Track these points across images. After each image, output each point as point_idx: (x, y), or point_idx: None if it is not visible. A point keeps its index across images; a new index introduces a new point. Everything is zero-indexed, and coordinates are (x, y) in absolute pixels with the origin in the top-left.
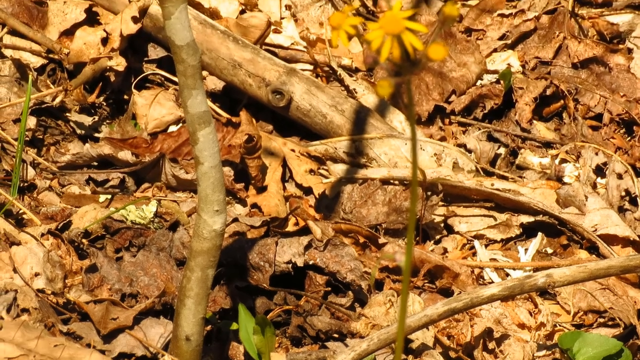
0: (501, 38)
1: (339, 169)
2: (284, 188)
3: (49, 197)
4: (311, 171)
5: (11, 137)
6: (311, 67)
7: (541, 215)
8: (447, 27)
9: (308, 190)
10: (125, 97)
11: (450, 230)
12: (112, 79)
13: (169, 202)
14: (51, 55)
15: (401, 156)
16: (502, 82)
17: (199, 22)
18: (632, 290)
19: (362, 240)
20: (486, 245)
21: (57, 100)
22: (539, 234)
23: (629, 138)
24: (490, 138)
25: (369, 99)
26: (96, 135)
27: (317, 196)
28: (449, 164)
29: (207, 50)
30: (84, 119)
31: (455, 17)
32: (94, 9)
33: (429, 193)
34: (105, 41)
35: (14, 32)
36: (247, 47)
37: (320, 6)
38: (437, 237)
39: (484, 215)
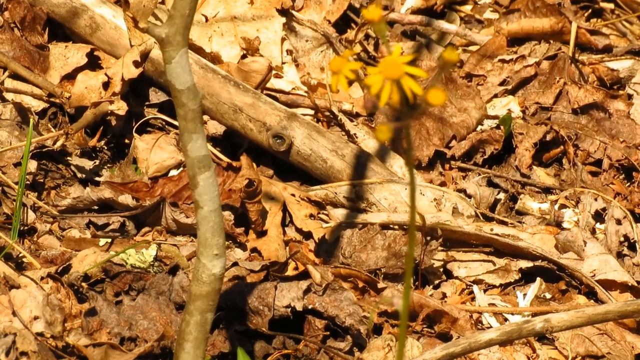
0: (502, 83)
1: (338, 214)
2: (284, 232)
3: (49, 240)
4: (311, 216)
5: (12, 181)
6: (312, 112)
7: (540, 261)
8: (446, 72)
9: (308, 235)
10: (126, 141)
11: (449, 275)
12: (113, 123)
13: (169, 246)
14: (52, 99)
15: (401, 201)
16: (502, 127)
17: (200, 66)
18: (629, 335)
19: (361, 284)
20: (485, 290)
21: (58, 144)
22: (538, 279)
23: (629, 184)
24: (490, 183)
25: (370, 144)
26: (97, 179)
27: (317, 241)
28: (448, 209)
29: (208, 94)
30: (85, 163)
31: (454, 62)
32: (96, 53)
33: (428, 238)
34: (106, 85)
35: (15, 76)
36: (248, 91)
37: (322, 51)
38: (436, 281)
39: (483, 260)
